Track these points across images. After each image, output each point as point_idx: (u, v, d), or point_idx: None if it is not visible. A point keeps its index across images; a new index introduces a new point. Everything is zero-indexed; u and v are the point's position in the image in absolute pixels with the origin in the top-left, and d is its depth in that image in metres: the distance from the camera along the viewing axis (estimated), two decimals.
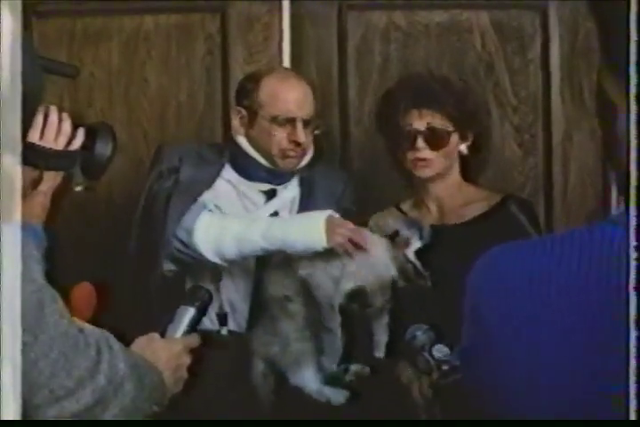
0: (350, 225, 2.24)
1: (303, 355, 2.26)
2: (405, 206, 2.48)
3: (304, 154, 2.46)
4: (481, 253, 1.04)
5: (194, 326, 1.67)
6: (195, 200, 2.39)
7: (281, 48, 2.96)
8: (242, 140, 2.47)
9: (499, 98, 2.95)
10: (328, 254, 2.22)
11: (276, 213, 2.46)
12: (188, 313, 1.68)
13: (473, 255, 0.99)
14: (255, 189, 2.47)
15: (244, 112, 2.46)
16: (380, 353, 2.19)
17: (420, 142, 2.32)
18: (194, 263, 2.38)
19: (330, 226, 2.23)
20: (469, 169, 2.44)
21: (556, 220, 2.93)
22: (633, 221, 0.84)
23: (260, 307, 2.34)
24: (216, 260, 2.34)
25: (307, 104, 2.44)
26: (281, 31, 2.96)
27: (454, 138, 2.36)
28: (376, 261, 2.22)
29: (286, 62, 2.95)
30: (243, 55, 2.96)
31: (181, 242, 2.34)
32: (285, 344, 2.27)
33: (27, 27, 2.89)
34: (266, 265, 2.37)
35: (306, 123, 2.42)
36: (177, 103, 2.98)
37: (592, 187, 2.92)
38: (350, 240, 2.21)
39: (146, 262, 2.40)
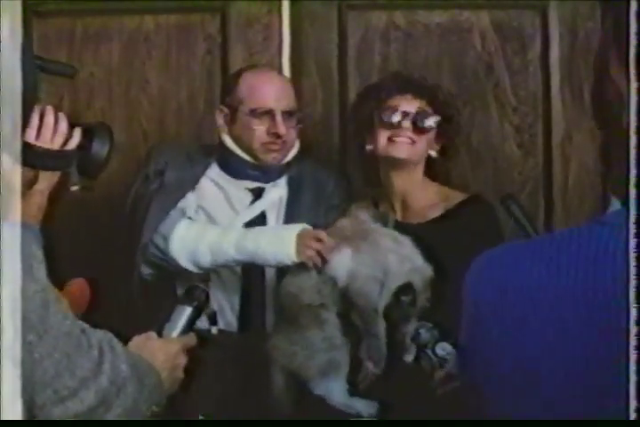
0: (322, 236, 2.23)
1: (330, 365, 2.21)
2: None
3: (288, 148, 2.46)
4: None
5: (190, 326, 1.67)
6: (175, 203, 2.40)
7: (281, 48, 2.96)
8: (226, 139, 2.48)
9: (499, 98, 2.94)
10: (369, 258, 2.20)
11: (262, 214, 2.46)
12: (185, 313, 1.68)
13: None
14: (242, 188, 2.47)
15: (226, 110, 2.47)
16: (409, 357, 2.16)
17: (407, 123, 2.35)
18: (171, 269, 2.38)
19: (301, 240, 2.23)
20: (435, 170, 2.46)
21: (555, 220, 2.93)
22: (632, 221, 0.84)
23: (286, 317, 2.28)
24: (191, 268, 2.35)
25: (285, 96, 2.44)
26: (281, 31, 2.96)
27: (434, 129, 2.39)
28: (413, 260, 2.21)
29: (286, 62, 2.95)
30: (242, 55, 2.95)
31: (158, 248, 2.35)
32: (311, 354, 2.21)
33: (27, 27, 2.89)
34: (285, 272, 2.34)
35: (287, 115, 2.42)
36: (177, 103, 2.98)
37: (592, 187, 2.91)
38: (319, 253, 2.21)
39: (130, 264, 2.41)
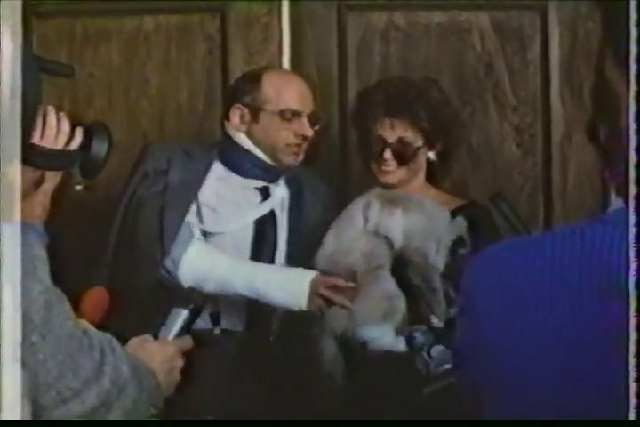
0: (338, 282, 2.27)
1: (390, 310, 2.24)
2: None
3: (304, 150, 2.47)
4: None
5: (187, 329, 1.67)
6: (187, 208, 2.40)
7: (281, 48, 2.96)
8: (241, 137, 2.47)
9: (498, 98, 2.95)
10: (420, 216, 2.28)
11: (272, 212, 2.46)
12: (181, 316, 1.68)
13: None
14: (250, 186, 2.47)
15: (245, 109, 2.46)
16: (441, 321, 2.21)
17: (388, 154, 2.36)
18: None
19: (314, 288, 2.27)
20: (435, 174, 2.48)
21: (555, 220, 2.93)
22: (633, 221, 0.85)
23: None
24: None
25: (309, 99, 2.48)
26: (281, 31, 2.96)
27: (422, 151, 2.40)
28: (448, 216, 2.30)
29: (286, 62, 2.95)
30: (242, 55, 2.96)
31: (167, 271, 2.37)
32: (372, 305, 2.25)
33: (27, 27, 2.89)
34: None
35: (309, 118, 2.44)
36: (177, 103, 2.98)
37: (591, 187, 2.92)
38: (328, 301, 2.27)
39: (129, 266, 2.41)
